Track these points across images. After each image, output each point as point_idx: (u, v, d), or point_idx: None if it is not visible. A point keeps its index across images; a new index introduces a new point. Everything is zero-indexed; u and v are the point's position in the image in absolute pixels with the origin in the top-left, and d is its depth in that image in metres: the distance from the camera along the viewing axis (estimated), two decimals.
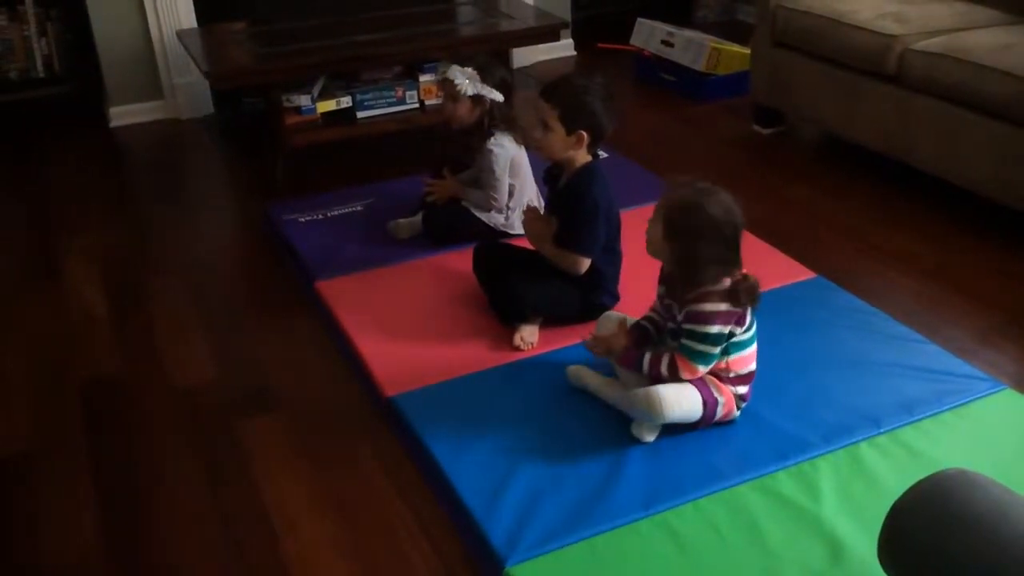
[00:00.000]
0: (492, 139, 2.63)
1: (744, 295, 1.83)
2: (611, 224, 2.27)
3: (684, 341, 1.88)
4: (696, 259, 1.81)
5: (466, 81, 2.60)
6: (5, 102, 4.09)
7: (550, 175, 2.36)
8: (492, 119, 2.64)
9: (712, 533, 1.70)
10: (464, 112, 2.65)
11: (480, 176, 2.69)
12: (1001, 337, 2.32)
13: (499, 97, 2.63)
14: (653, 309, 2.04)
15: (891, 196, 3.05)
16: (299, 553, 1.76)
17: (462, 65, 2.63)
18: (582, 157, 2.23)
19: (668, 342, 1.96)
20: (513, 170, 2.67)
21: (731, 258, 1.84)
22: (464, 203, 2.71)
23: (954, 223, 2.86)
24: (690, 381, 1.89)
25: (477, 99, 2.63)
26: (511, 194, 2.69)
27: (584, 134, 2.18)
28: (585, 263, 2.26)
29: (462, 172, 2.80)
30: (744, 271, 1.86)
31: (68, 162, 3.60)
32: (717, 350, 1.87)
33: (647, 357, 1.92)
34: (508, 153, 2.64)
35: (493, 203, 2.68)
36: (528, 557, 1.65)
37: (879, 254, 2.73)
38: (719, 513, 1.74)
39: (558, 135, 2.19)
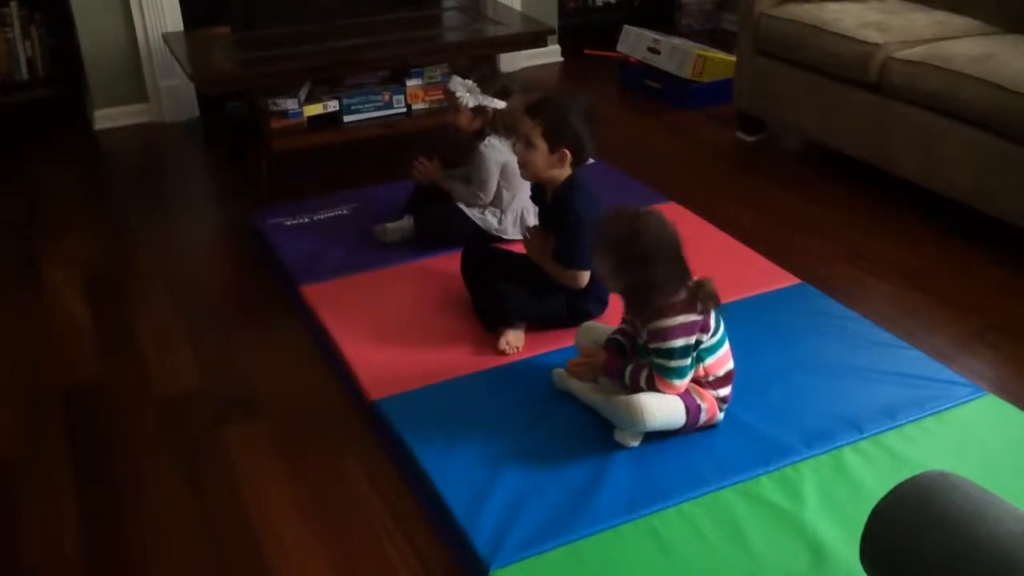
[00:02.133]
0: (485, 141, 2.66)
1: (705, 300, 1.84)
2: None
3: (654, 360, 1.89)
4: (649, 284, 1.82)
5: (466, 94, 2.64)
6: None
7: (535, 194, 2.38)
8: (494, 127, 2.68)
9: (695, 537, 1.71)
10: (465, 122, 2.71)
11: (470, 174, 2.73)
12: (981, 343, 2.34)
13: (500, 105, 2.67)
14: (624, 321, 2.05)
15: (873, 203, 3.08)
16: (282, 559, 1.75)
17: (464, 75, 2.68)
18: (564, 174, 2.24)
19: (640, 355, 1.97)
20: (507, 176, 2.68)
21: (680, 271, 1.85)
22: (455, 202, 2.73)
23: (934, 230, 2.89)
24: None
25: (478, 109, 2.68)
26: (504, 199, 2.71)
27: (567, 152, 2.19)
28: (584, 276, 2.27)
29: (454, 169, 2.83)
30: (696, 277, 1.87)
31: (51, 165, 3.57)
32: (688, 361, 1.88)
33: (628, 369, 1.94)
34: (498, 155, 2.66)
35: (478, 200, 2.70)
36: (512, 561, 1.65)
37: (861, 260, 2.75)
38: (702, 517, 1.75)
39: (541, 152, 2.20)
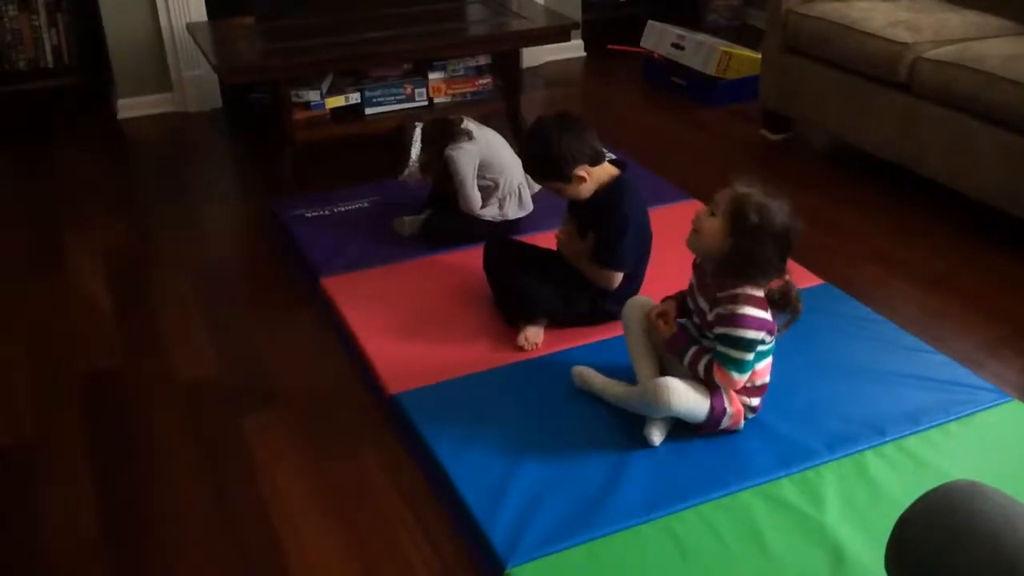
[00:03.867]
0: (450, 147, 2.65)
1: (793, 300, 1.84)
2: (641, 242, 2.25)
3: (719, 348, 1.86)
4: (754, 258, 1.80)
5: (414, 171, 2.70)
6: (13, 92, 4.09)
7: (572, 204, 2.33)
8: (433, 140, 2.68)
9: (714, 539, 1.69)
10: (427, 167, 2.71)
11: (453, 182, 2.70)
12: (1008, 348, 2.31)
13: (417, 134, 2.69)
14: (682, 296, 2.02)
15: (899, 204, 3.04)
16: (299, 551, 1.75)
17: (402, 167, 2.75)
18: (599, 178, 2.20)
19: (689, 331, 1.95)
20: (488, 167, 2.67)
21: (782, 266, 1.84)
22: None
23: (963, 233, 2.85)
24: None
25: (427, 151, 2.68)
26: (497, 188, 2.70)
27: (580, 172, 2.16)
28: (617, 278, 2.25)
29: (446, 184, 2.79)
30: (787, 279, 1.86)
31: (75, 154, 3.59)
32: (751, 356, 1.85)
33: (692, 350, 1.91)
34: (468, 154, 2.65)
35: (472, 206, 2.68)
36: (529, 559, 1.64)
37: (887, 262, 2.72)
38: (721, 519, 1.74)
39: (569, 189, 2.19)
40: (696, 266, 1.97)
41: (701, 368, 1.88)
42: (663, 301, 2.03)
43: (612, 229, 2.20)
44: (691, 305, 1.96)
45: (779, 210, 1.81)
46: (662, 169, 3.22)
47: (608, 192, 2.21)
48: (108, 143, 3.72)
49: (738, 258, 1.81)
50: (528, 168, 2.34)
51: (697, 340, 1.93)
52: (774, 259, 1.82)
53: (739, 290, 1.83)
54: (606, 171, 2.21)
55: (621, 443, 1.92)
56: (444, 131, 2.69)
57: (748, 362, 1.86)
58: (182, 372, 2.29)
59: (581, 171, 2.16)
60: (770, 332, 1.85)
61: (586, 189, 2.20)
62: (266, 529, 1.80)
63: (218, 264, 2.83)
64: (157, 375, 2.28)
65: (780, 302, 1.85)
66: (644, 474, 1.84)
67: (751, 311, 1.81)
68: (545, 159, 2.18)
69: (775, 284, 1.85)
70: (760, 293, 1.84)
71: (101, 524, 1.83)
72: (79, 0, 3.93)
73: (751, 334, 1.82)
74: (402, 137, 2.75)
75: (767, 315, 1.84)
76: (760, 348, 1.86)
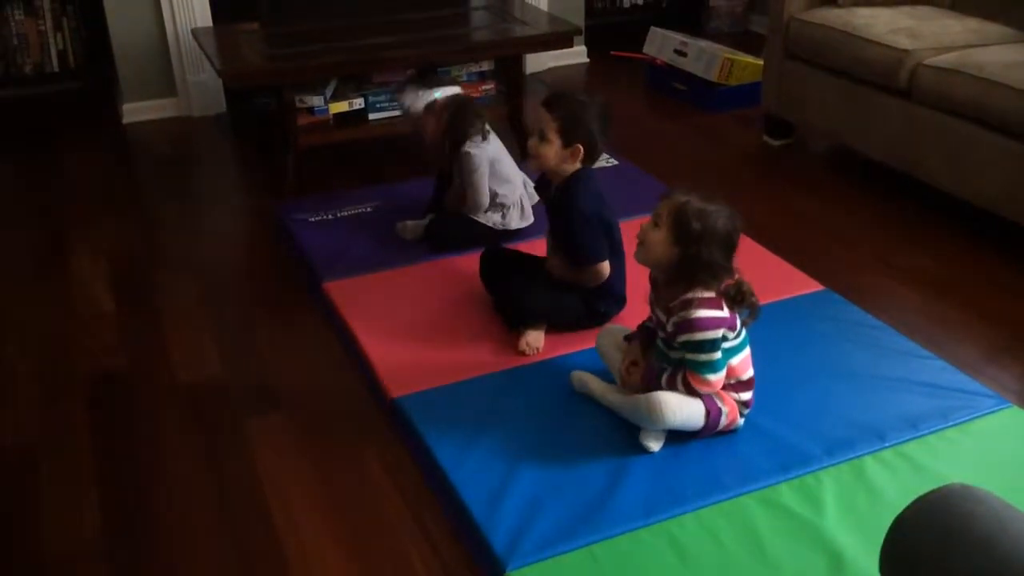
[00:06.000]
0: (467, 142, 2.64)
1: (747, 296, 1.86)
2: (607, 227, 2.27)
3: (687, 356, 1.88)
4: (700, 262, 1.83)
5: (414, 101, 2.64)
6: (19, 96, 4.11)
7: (541, 185, 2.38)
8: (457, 124, 2.64)
9: (713, 543, 1.70)
10: (431, 129, 2.69)
11: (462, 179, 2.70)
12: (1007, 355, 2.31)
13: (454, 89, 2.65)
14: (647, 321, 2.05)
15: (900, 211, 3.05)
16: (299, 552, 1.76)
17: (398, 91, 2.69)
18: (572, 169, 2.24)
19: (659, 346, 1.97)
20: (494, 169, 2.67)
21: (729, 266, 1.87)
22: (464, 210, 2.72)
23: (963, 239, 2.86)
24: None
25: (431, 107, 2.65)
26: (502, 196, 2.70)
27: (580, 148, 2.19)
28: (603, 267, 2.27)
29: (449, 180, 2.79)
30: (738, 277, 1.88)
31: (79, 157, 3.61)
32: (718, 355, 1.87)
33: (664, 380, 1.93)
34: (485, 153, 2.65)
35: (479, 205, 2.68)
36: (528, 562, 1.65)
37: (887, 268, 2.73)
38: (720, 523, 1.74)
39: (554, 146, 2.20)
40: (651, 280, 1.99)
41: (679, 385, 1.90)
42: (628, 342, 2.05)
43: (572, 225, 2.23)
44: (654, 321, 1.98)
45: (719, 213, 1.84)
46: (663, 174, 3.23)
47: (566, 186, 2.24)
48: (113, 147, 3.74)
49: (686, 265, 1.84)
50: (554, 96, 2.27)
51: (669, 360, 1.94)
52: (721, 261, 1.85)
53: (689, 295, 1.85)
54: (575, 167, 2.23)
55: (621, 447, 1.93)
56: (470, 117, 2.66)
57: (718, 360, 1.87)
58: (185, 374, 2.30)
59: (580, 148, 2.19)
60: (731, 328, 1.87)
61: (556, 162, 2.21)
62: (268, 531, 1.81)
63: (221, 267, 2.85)
64: (160, 377, 2.29)
65: (736, 298, 1.87)
66: (643, 478, 1.85)
67: (704, 312, 1.84)
68: (571, 111, 2.19)
69: (727, 283, 1.87)
70: (711, 293, 1.86)
71: (104, 524, 1.84)
72: (85, 5, 3.95)
73: (709, 334, 1.84)
74: (429, 70, 2.70)
75: (723, 312, 1.85)
76: (725, 345, 1.87)
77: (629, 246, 2.29)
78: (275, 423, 2.11)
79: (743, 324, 1.91)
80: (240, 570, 1.74)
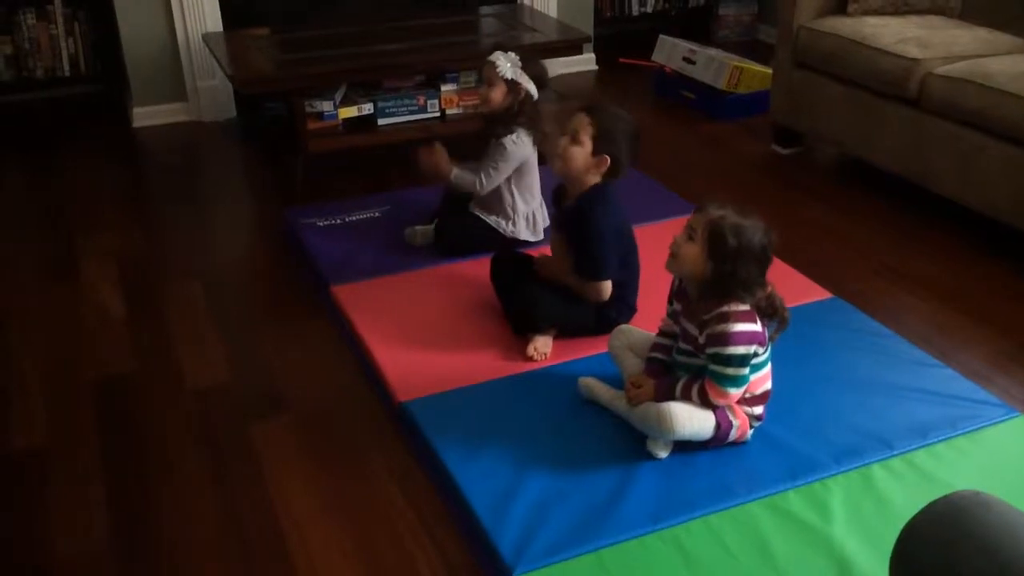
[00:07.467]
0: (513, 135, 2.64)
1: (780, 309, 1.86)
2: (623, 242, 2.28)
3: (712, 367, 1.87)
4: (735, 278, 1.83)
5: (507, 65, 2.62)
6: (30, 100, 4.14)
7: (557, 195, 2.37)
8: (520, 111, 2.65)
9: (721, 550, 1.70)
10: (498, 97, 2.66)
11: (482, 161, 2.68)
12: (1016, 364, 2.31)
13: (533, 89, 2.65)
14: (661, 331, 2.04)
15: (909, 219, 3.05)
16: (306, 556, 1.76)
17: (497, 47, 2.68)
18: (592, 180, 2.23)
19: (677, 359, 1.96)
20: (521, 173, 2.67)
21: (763, 281, 1.86)
22: (453, 179, 2.69)
23: (971, 247, 2.85)
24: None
25: (512, 85, 2.64)
26: (515, 200, 2.70)
27: (607, 160, 2.19)
28: (606, 288, 2.27)
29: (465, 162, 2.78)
30: (770, 289, 1.88)
31: (90, 161, 3.63)
32: (746, 371, 1.86)
33: (679, 387, 1.92)
34: (522, 152, 2.65)
35: (478, 187, 2.66)
36: (535, 567, 1.65)
37: (895, 276, 2.72)
38: (728, 530, 1.74)
39: (584, 151, 2.20)
40: (677, 292, 1.99)
41: (695, 395, 1.89)
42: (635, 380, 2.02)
43: (588, 241, 2.22)
44: (679, 332, 1.97)
45: (754, 228, 1.84)
46: (672, 182, 3.23)
47: (585, 199, 2.23)
48: (123, 151, 3.76)
49: (721, 280, 1.84)
50: (596, 105, 2.27)
51: (688, 368, 1.94)
52: (756, 276, 1.84)
53: (726, 308, 1.84)
54: (596, 180, 2.23)
55: (628, 453, 1.93)
56: (536, 114, 2.66)
57: (743, 376, 1.87)
58: (193, 378, 2.31)
59: (606, 159, 2.19)
60: (761, 344, 1.86)
61: (582, 168, 2.20)
62: (274, 534, 1.81)
63: (230, 272, 2.86)
64: (168, 381, 2.30)
65: (767, 311, 1.87)
66: (651, 484, 1.85)
67: (741, 327, 1.83)
68: (608, 121, 2.20)
69: (760, 295, 1.87)
70: (745, 307, 1.85)
71: (111, 527, 1.85)
72: (96, 9, 3.97)
73: (742, 350, 1.84)
74: (500, 50, 2.69)
75: (757, 327, 1.85)
76: (754, 361, 1.87)
77: (646, 252, 2.31)
78: (282, 427, 2.12)
79: (770, 339, 1.90)
80: (246, 573, 1.74)
